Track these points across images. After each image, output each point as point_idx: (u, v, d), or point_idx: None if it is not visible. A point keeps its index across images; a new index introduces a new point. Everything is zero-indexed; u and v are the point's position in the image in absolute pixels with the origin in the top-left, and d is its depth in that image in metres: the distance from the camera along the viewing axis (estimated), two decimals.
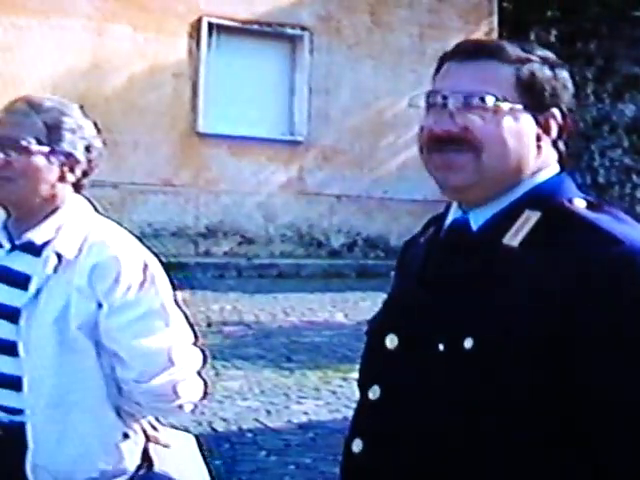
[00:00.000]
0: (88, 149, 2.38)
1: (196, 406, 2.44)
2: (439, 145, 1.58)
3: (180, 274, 10.69)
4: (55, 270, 2.27)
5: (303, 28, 12.47)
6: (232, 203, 12.19)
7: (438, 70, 1.64)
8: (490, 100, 1.55)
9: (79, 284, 2.26)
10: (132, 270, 2.26)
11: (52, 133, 2.32)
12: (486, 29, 13.03)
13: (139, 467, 2.37)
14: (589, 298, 1.47)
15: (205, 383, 2.42)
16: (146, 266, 2.29)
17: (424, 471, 1.56)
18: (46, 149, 2.31)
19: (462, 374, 1.52)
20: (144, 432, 2.38)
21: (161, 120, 11.73)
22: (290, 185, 12.50)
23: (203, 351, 2.44)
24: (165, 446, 2.39)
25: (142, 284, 2.27)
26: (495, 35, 12.74)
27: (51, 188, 2.32)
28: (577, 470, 1.51)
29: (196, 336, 2.42)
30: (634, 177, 13.74)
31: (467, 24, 12.90)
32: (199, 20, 11.86)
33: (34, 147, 2.30)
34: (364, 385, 1.67)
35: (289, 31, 12.46)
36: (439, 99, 1.58)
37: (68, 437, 2.28)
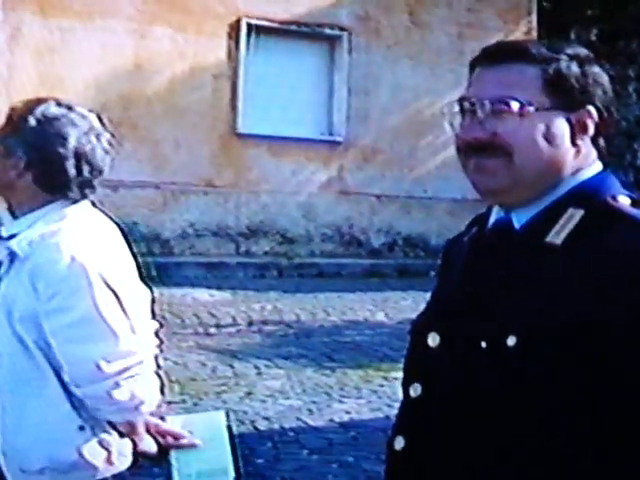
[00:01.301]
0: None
1: (160, 405, 2.46)
2: (472, 152, 1.59)
3: (221, 274, 10.90)
4: (11, 263, 2.34)
5: (342, 28, 12.49)
6: (272, 203, 12.24)
7: (470, 75, 1.64)
8: (515, 105, 1.55)
9: (24, 281, 2.31)
10: (69, 275, 2.28)
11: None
12: (525, 29, 12.97)
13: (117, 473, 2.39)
14: (634, 297, 1.46)
15: (162, 380, 2.44)
16: (86, 272, 2.28)
17: (466, 468, 1.55)
18: None
19: (504, 372, 1.52)
20: (128, 435, 2.40)
21: (201, 121, 11.82)
22: (330, 185, 12.54)
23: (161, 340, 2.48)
24: (192, 445, 2.41)
25: (77, 290, 2.28)
26: (534, 35, 12.66)
27: None
28: (626, 469, 1.50)
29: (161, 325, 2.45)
30: None
31: (506, 23, 12.84)
32: (238, 21, 11.92)
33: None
34: (407, 384, 1.68)
35: (327, 31, 12.48)
36: (468, 106, 1.59)
37: (24, 424, 2.33)
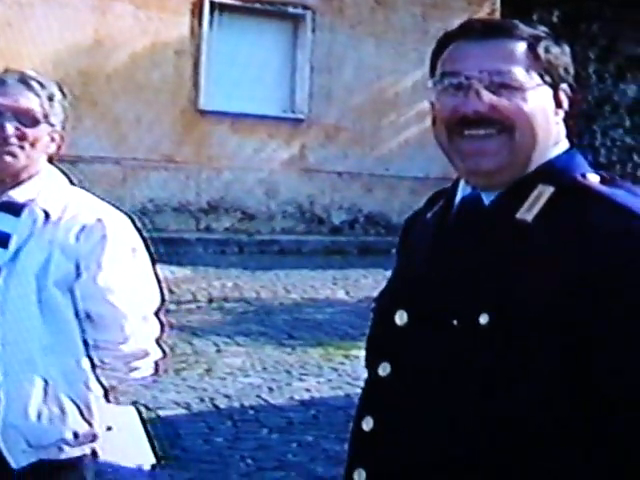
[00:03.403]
0: (64, 123, 2.43)
1: (157, 370, 2.51)
2: (464, 127, 1.55)
3: (181, 250, 10.74)
4: (38, 227, 2.34)
5: (305, 7, 12.44)
6: (234, 179, 12.20)
7: (440, 50, 1.60)
8: (517, 78, 1.53)
9: (63, 242, 2.32)
10: (118, 234, 2.35)
11: (51, 106, 2.39)
12: (488, 10, 13.02)
13: (84, 456, 2.40)
14: (609, 271, 1.45)
15: (164, 351, 2.50)
16: (129, 233, 2.38)
17: (436, 448, 1.54)
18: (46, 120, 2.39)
19: (477, 350, 1.50)
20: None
21: (163, 97, 11.74)
22: (292, 162, 12.50)
23: (162, 323, 2.52)
24: (108, 428, 2.42)
25: (125, 249, 2.36)
26: (497, 16, 12.62)
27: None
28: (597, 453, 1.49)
29: (163, 301, 2.50)
30: (635, 157, 13.71)
31: (470, 4, 12.85)
32: None
33: (44, 119, 2.37)
34: (373, 362, 1.64)
35: (291, 10, 12.42)
36: (463, 80, 1.55)
37: (42, 397, 2.32)
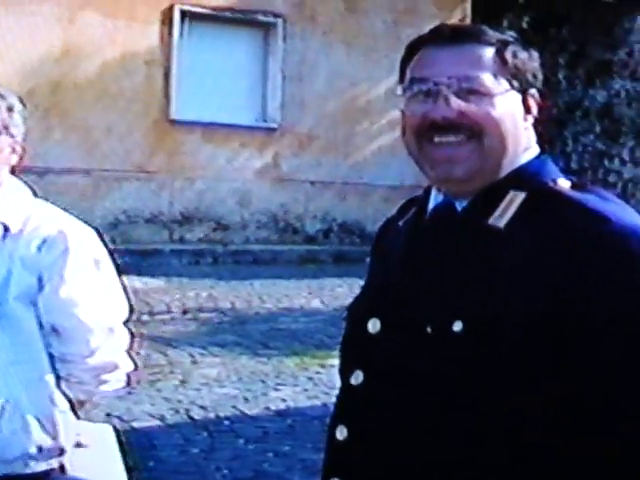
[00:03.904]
0: (25, 135, 2.41)
1: (129, 382, 2.48)
2: (433, 133, 1.55)
3: (155, 261, 10.79)
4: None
5: (276, 15, 12.43)
6: (207, 189, 12.16)
7: (410, 56, 1.60)
8: (485, 84, 1.54)
9: (24, 256, 2.29)
10: (80, 246, 2.33)
11: (10, 117, 2.36)
12: (460, 15, 13.07)
13: (51, 470, 2.36)
14: (581, 278, 1.44)
15: (135, 363, 2.48)
16: (92, 245, 2.37)
17: (410, 456, 1.53)
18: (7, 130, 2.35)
19: (451, 357, 1.49)
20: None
21: (134, 107, 11.69)
22: (265, 171, 12.48)
23: (131, 332, 2.50)
24: (79, 445, 2.41)
25: (89, 261, 2.34)
26: (468, 21, 12.72)
27: None
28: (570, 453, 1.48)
29: (131, 312, 2.48)
30: (606, 162, 13.80)
31: (441, 10, 12.88)
32: (171, 7, 11.82)
33: (5, 130, 2.35)
34: (346, 371, 1.64)
35: (262, 18, 12.41)
36: (431, 86, 1.54)
37: (5, 411, 2.29)
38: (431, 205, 1.62)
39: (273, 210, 12.50)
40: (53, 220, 2.34)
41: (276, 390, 6.15)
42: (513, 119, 1.56)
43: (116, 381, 2.44)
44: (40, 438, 2.32)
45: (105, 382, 2.40)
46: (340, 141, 12.76)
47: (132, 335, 2.51)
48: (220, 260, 11.44)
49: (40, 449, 2.32)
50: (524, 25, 13.43)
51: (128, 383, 2.48)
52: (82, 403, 2.43)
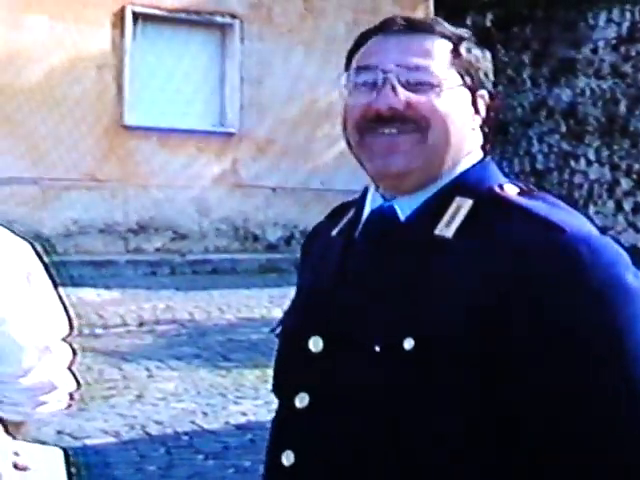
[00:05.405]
0: None
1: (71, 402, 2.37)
2: (377, 125, 1.48)
3: (109, 273, 10.89)
4: None
5: (233, 16, 12.40)
6: (163, 197, 12.11)
7: (357, 47, 1.53)
8: (435, 75, 1.47)
9: None
10: (9, 259, 2.20)
11: None
12: (422, 14, 13.06)
13: None
14: (530, 291, 1.39)
15: (77, 380, 2.35)
16: (23, 257, 2.23)
17: (362, 479, 1.47)
18: None
19: (402, 376, 1.43)
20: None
21: (84, 113, 11.59)
22: (223, 178, 12.45)
23: (72, 346, 2.37)
24: (16, 467, 2.22)
25: (19, 275, 2.20)
26: None
27: None
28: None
29: (71, 328, 2.35)
30: (572, 163, 13.83)
31: (403, 9, 12.89)
32: (122, 9, 11.72)
33: None
34: (288, 392, 1.55)
35: (218, 19, 12.37)
36: (379, 74, 1.47)
37: None
38: (368, 209, 1.55)
39: (232, 218, 12.47)
40: None
41: (236, 404, 6.10)
42: (461, 116, 1.50)
43: (56, 402, 2.28)
44: None
45: (43, 403, 2.25)
46: (301, 145, 12.77)
47: (74, 351, 2.36)
48: (178, 270, 11.41)
49: None
50: (487, 23, 13.54)
51: (70, 404, 2.33)
52: (18, 425, 2.26)
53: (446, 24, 1.52)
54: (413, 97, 1.46)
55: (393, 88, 1.46)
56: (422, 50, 1.48)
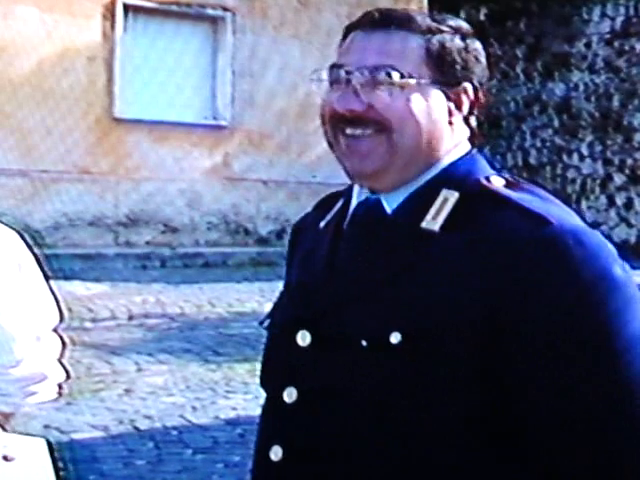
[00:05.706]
0: None
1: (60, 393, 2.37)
2: (345, 125, 1.48)
3: (99, 266, 10.88)
4: None
5: (225, 9, 12.35)
6: (154, 190, 12.05)
7: (344, 40, 1.53)
8: (396, 76, 1.46)
9: None
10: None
11: None
12: (416, 8, 13.05)
13: None
14: (519, 283, 1.39)
15: (67, 372, 2.35)
16: (13, 248, 2.23)
17: (351, 474, 1.47)
18: None
19: (389, 370, 1.43)
20: None
21: (74, 106, 11.54)
22: (215, 171, 12.41)
23: (62, 338, 2.36)
24: (5, 458, 2.22)
25: (9, 265, 2.20)
26: None
27: None
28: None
29: (62, 319, 2.33)
30: (565, 158, 13.84)
31: (397, 3, 12.83)
32: (113, 1, 11.66)
33: None
34: (275, 387, 1.55)
35: (210, 12, 12.32)
36: (342, 74, 1.47)
37: None
38: (354, 201, 1.55)
39: (224, 211, 12.43)
40: None
41: (226, 398, 6.06)
42: (430, 115, 1.48)
43: (45, 393, 2.29)
44: None
45: (33, 394, 2.26)
46: (293, 139, 12.73)
47: (63, 343, 2.35)
48: (168, 264, 11.39)
49: None
50: (482, 17, 13.53)
51: (59, 394, 2.34)
52: (7, 416, 2.27)
53: (424, 17, 1.50)
54: (375, 99, 1.45)
55: (355, 90, 1.46)
56: (389, 48, 1.47)
